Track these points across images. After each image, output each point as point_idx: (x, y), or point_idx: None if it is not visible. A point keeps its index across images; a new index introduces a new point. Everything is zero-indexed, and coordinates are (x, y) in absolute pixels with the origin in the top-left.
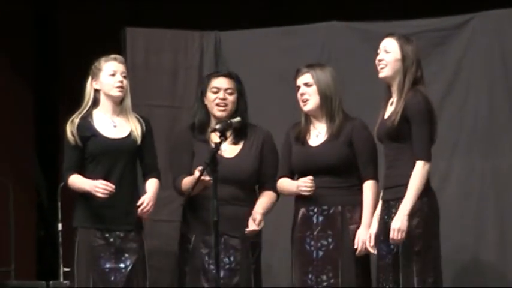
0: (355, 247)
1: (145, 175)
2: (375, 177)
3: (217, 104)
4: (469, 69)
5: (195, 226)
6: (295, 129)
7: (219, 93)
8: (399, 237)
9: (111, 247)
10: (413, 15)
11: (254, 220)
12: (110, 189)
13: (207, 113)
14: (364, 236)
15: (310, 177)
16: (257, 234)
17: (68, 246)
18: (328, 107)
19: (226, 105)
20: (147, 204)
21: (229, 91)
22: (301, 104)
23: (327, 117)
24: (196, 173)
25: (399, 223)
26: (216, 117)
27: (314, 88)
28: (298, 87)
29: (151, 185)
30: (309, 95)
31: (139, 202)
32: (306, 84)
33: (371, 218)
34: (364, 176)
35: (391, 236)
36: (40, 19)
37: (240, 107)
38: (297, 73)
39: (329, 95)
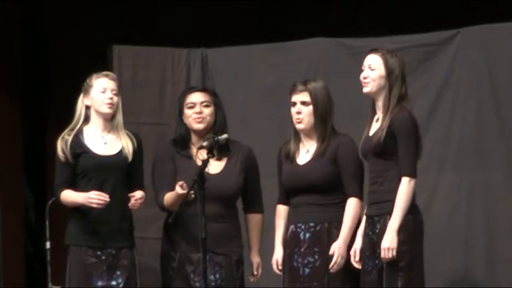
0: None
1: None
2: (358, 195)
3: (194, 119)
4: (455, 84)
5: (179, 244)
6: (285, 147)
7: (195, 108)
8: (390, 256)
9: (103, 264)
10: (399, 31)
11: (253, 265)
12: (104, 199)
13: (187, 129)
14: (342, 251)
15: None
16: (240, 251)
17: (57, 264)
18: (322, 127)
19: (203, 118)
20: (141, 197)
21: (205, 104)
22: (295, 121)
23: (319, 136)
24: (177, 188)
25: (389, 241)
26: (196, 132)
27: (311, 108)
28: (294, 103)
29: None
30: (304, 115)
31: (132, 194)
32: (303, 103)
33: (349, 234)
34: (348, 194)
35: (382, 255)
36: (28, 37)
37: (218, 119)
38: (294, 89)
39: (324, 116)
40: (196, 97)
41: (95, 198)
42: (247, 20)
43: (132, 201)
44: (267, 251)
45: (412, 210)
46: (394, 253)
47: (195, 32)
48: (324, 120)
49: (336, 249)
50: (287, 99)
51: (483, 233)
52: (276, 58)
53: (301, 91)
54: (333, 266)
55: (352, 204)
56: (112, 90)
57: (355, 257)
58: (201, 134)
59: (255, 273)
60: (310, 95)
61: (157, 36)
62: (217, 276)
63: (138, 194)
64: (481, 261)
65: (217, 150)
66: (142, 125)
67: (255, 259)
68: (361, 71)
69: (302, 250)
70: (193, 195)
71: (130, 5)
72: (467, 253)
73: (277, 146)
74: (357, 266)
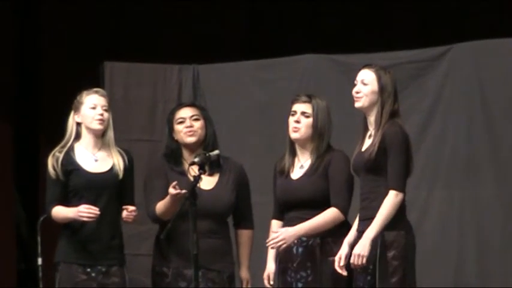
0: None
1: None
2: (341, 208)
3: (185, 133)
4: (447, 101)
5: (171, 259)
6: (280, 162)
7: (185, 122)
8: (359, 263)
9: (93, 282)
10: (391, 47)
11: (243, 281)
12: (94, 212)
13: (178, 145)
14: (284, 236)
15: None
16: (232, 267)
17: (49, 281)
18: (317, 141)
19: (195, 131)
20: (134, 209)
21: (194, 117)
22: (291, 130)
23: (314, 151)
24: (170, 189)
25: (360, 248)
26: (187, 146)
27: (310, 120)
28: (294, 113)
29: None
30: (302, 125)
31: (125, 206)
32: (304, 114)
33: (306, 231)
34: (332, 204)
35: (351, 260)
36: (20, 54)
37: (208, 132)
38: (297, 99)
39: (323, 132)
40: (185, 112)
41: (85, 211)
42: (238, 37)
43: (125, 213)
44: (259, 267)
45: (404, 225)
46: (364, 261)
47: (186, 48)
48: (322, 136)
49: (283, 232)
50: (279, 115)
51: (474, 248)
52: (268, 74)
53: (304, 102)
54: (269, 241)
55: (330, 212)
56: (102, 107)
57: (339, 263)
58: (192, 148)
59: None
60: (313, 108)
61: (148, 53)
62: None
63: (131, 207)
64: (472, 275)
65: (209, 166)
66: (134, 142)
67: (245, 275)
68: (354, 85)
69: (295, 265)
70: (184, 191)
71: (122, 22)
72: (459, 268)
73: (268, 162)
74: (341, 271)
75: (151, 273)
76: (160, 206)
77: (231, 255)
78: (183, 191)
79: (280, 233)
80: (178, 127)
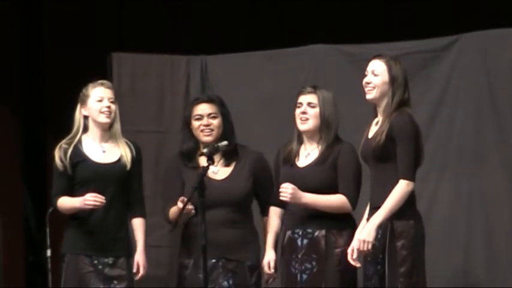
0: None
1: (130, 206)
2: (350, 198)
3: (202, 131)
4: (455, 90)
5: (192, 251)
6: (284, 150)
7: (202, 120)
8: (365, 249)
9: (100, 274)
10: (399, 38)
11: (268, 265)
12: (100, 200)
13: (196, 141)
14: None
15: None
16: (256, 257)
17: (58, 273)
18: (325, 132)
19: (212, 130)
20: (143, 269)
21: (212, 115)
22: (299, 121)
23: (321, 140)
24: (178, 204)
25: (366, 234)
26: (203, 143)
27: (317, 110)
28: (300, 105)
29: (139, 232)
30: (309, 116)
31: (135, 269)
32: (310, 104)
33: (309, 202)
34: (341, 192)
35: (356, 246)
36: (25, 47)
37: (225, 129)
38: (302, 91)
39: (330, 121)
40: (203, 108)
41: (91, 199)
42: (246, 27)
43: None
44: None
45: (414, 215)
46: (370, 247)
47: (194, 39)
48: (329, 125)
49: (295, 189)
50: (286, 106)
51: (483, 239)
52: (275, 65)
53: (310, 93)
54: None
55: (337, 197)
56: (109, 99)
57: (352, 255)
58: (207, 144)
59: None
60: (318, 98)
61: (156, 44)
62: (230, 282)
63: (139, 264)
64: (481, 266)
65: (222, 156)
66: (142, 133)
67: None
68: (364, 76)
69: (299, 256)
70: (193, 212)
71: (128, 13)
72: (467, 258)
73: (274, 153)
74: (354, 264)
75: (178, 265)
76: (172, 213)
77: (254, 244)
78: (190, 207)
79: (292, 189)
80: (195, 123)
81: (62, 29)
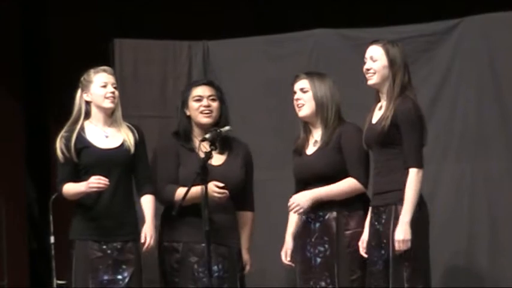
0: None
1: (138, 186)
2: (359, 178)
3: (202, 112)
4: (457, 74)
5: (182, 235)
6: (296, 141)
7: (202, 101)
8: (405, 248)
9: (109, 259)
10: (400, 21)
11: (245, 261)
12: (104, 182)
13: (190, 123)
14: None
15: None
16: (239, 243)
17: (61, 259)
18: (323, 114)
19: (211, 111)
20: (150, 238)
21: (212, 97)
22: (297, 109)
23: (322, 124)
24: (212, 186)
25: (402, 234)
26: (200, 125)
27: (310, 94)
28: (295, 93)
29: (148, 206)
30: (304, 101)
31: (142, 239)
32: (302, 90)
33: (321, 195)
34: (350, 175)
35: (396, 247)
36: (28, 35)
37: (223, 114)
38: (295, 79)
39: (325, 103)
40: (204, 90)
41: (95, 182)
42: (248, 12)
43: (144, 249)
44: (266, 243)
45: (418, 200)
46: (409, 244)
47: (196, 24)
48: (325, 106)
49: (295, 198)
50: (289, 91)
51: (486, 222)
52: (277, 50)
53: (301, 79)
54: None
55: (347, 181)
56: (112, 84)
57: (363, 248)
58: (204, 127)
59: (245, 271)
60: (310, 82)
61: (158, 30)
62: (220, 266)
63: (146, 236)
64: (483, 249)
65: (219, 142)
66: (145, 118)
67: (245, 256)
68: (364, 63)
69: (313, 240)
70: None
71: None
72: (470, 242)
73: (278, 138)
74: (365, 255)
75: (158, 248)
76: (187, 200)
77: (237, 231)
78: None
79: (293, 199)
80: (194, 104)
81: (64, 17)
